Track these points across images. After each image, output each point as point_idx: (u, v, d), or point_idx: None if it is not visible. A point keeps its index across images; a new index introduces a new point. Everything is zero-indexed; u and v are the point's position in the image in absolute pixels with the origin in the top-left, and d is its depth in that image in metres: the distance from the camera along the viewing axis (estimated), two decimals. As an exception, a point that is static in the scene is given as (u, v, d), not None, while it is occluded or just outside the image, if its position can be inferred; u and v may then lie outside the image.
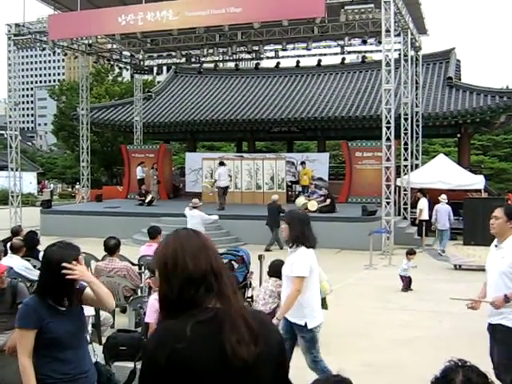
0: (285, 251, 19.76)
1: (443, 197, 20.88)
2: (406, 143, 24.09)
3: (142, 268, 10.44)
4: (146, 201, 26.63)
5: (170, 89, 38.67)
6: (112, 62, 30.82)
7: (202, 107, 34.74)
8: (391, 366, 8.13)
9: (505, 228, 5.97)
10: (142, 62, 31.71)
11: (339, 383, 2.84)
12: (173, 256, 2.32)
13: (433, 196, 23.23)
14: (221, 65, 34.49)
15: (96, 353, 5.24)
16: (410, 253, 14.06)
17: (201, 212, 17.19)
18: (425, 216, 21.79)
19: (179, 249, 2.33)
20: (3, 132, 48.40)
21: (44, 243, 12.48)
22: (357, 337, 9.80)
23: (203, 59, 31.13)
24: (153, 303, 6.70)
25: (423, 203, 22.00)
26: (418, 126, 25.89)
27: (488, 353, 7.98)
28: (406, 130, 23.91)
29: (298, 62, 30.24)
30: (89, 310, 6.92)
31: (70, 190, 58.90)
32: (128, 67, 32.51)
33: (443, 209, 20.44)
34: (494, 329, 6.08)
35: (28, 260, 8.96)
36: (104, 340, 7.16)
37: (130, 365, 6.61)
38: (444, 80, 31.28)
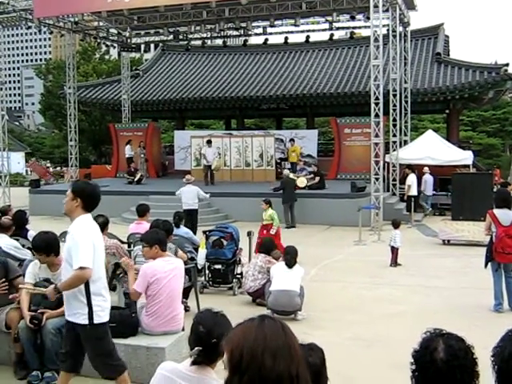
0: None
1: (426, 169, 23.34)
2: (394, 119, 24.08)
3: (132, 246, 10.45)
4: (135, 179, 26.59)
5: (157, 66, 38.39)
6: (99, 40, 30.49)
7: (190, 85, 34.53)
8: (381, 340, 8.21)
9: (72, 207, 5.37)
10: (129, 40, 31.42)
11: (312, 350, 3.15)
12: (252, 350, 2.08)
13: (422, 172, 23.43)
14: (209, 42, 34.24)
15: None
16: (398, 223, 14.21)
17: (196, 186, 18.21)
18: (413, 192, 21.98)
19: (261, 343, 2.09)
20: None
21: (33, 223, 12.49)
22: (346, 311, 9.86)
23: (191, 36, 30.91)
24: (145, 272, 6.72)
25: (412, 179, 22.17)
26: (406, 102, 25.83)
27: (474, 325, 8.10)
28: (394, 106, 23.89)
29: (286, 38, 30.03)
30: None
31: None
32: (115, 45, 32.17)
33: (430, 178, 23.43)
34: (74, 327, 5.40)
35: (17, 239, 8.94)
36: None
37: (121, 342, 6.64)
38: (432, 56, 31.20)
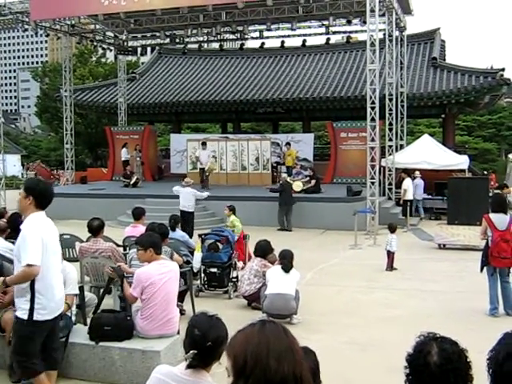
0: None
1: (417, 173, 23.45)
2: (390, 123, 24.12)
3: (127, 249, 10.43)
4: (131, 182, 26.57)
5: (154, 70, 38.41)
6: (95, 43, 30.47)
7: (186, 88, 34.56)
8: (377, 344, 8.21)
9: (25, 205, 5.45)
10: (125, 43, 31.43)
11: (305, 354, 3.02)
12: (255, 354, 2.08)
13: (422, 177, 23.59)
14: (205, 45, 34.24)
15: None
16: (394, 228, 14.19)
17: (193, 189, 18.26)
18: (409, 196, 22.01)
19: (264, 347, 2.10)
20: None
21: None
22: (342, 315, 9.85)
23: (187, 40, 30.93)
24: (140, 277, 6.71)
25: (408, 183, 22.18)
26: (402, 106, 25.91)
27: (469, 329, 8.12)
28: (390, 110, 23.94)
29: (282, 42, 30.11)
30: (73, 289, 6.92)
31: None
32: (111, 48, 32.22)
33: (421, 182, 23.53)
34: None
35: (12, 242, 8.91)
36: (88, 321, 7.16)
37: (116, 345, 6.63)
38: (429, 60, 31.30)
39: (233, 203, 21.62)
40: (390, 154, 24.06)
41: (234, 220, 14.51)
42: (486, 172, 35.27)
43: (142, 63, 45.16)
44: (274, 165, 28.14)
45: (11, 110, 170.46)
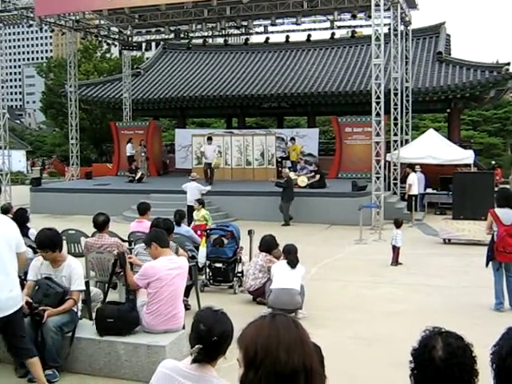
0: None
1: (418, 167, 23.37)
2: (395, 118, 24.07)
3: (132, 244, 10.45)
4: (136, 178, 26.60)
5: (158, 65, 38.40)
6: (100, 38, 30.48)
7: (191, 83, 34.53)
8: (382, 339, 8.21)
9: None
10: (130, 38, 31.40)
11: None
12: (266, 346, 2.10)
13: (422, 171, 23.50)
14: (210, 40, 34.19)
15: None
16: (400, 223, 14.16)
17: (198, 184, 19.01)
18: (414, 191, 21.97)
19: (274, 339, 2.11)
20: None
21: (34, 221, 12.49)
22: (347, 310, 9.86)
23: (192, 35, 30.92)
24: (147, 271, 6.74)
25: (412, 178, 22.15)
26: (407, 101, 25.85)
27: (475, 323, 8.12)
28: (395, 105, 23.88)
29: (287, 37, 29.97)
30: (79, 285, 6.94)
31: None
32: (116, 43, 32.22)
33: (421, 177, 23.50)
34: None
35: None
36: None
37: (121, 340, 6.64)
38: (434, 55, 31.19)
39: (238, 198, 21.88)
40: (395, 149, 24.03)
41: (205, 214, 14.56)
42: (493, 163, 35.20)
43: (147, 58, 45.14)
44: (279, 160, 28.11)
45: (16, 106, 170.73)
